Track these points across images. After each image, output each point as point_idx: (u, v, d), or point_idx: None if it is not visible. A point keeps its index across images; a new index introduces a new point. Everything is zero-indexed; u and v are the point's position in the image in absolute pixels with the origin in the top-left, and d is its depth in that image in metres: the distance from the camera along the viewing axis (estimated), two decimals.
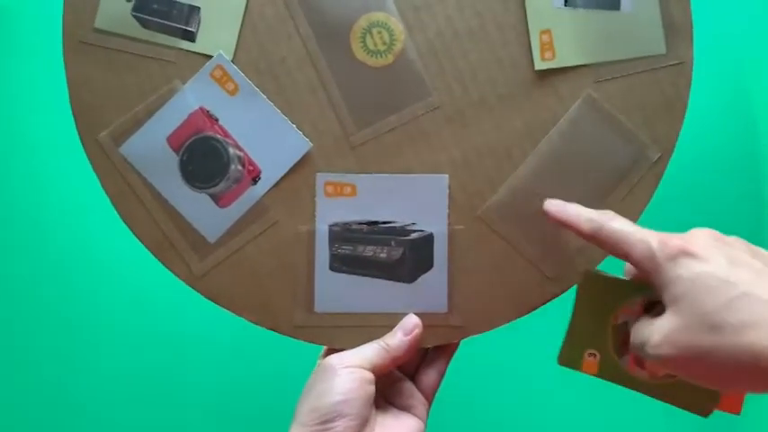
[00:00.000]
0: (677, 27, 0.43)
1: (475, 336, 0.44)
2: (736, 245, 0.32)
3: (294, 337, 0.43)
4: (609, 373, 0.38)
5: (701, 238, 0.32)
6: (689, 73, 0.43)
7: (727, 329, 0.28)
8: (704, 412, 0.37)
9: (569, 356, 0.39)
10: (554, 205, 0.38)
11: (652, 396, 0.38)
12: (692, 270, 0.30)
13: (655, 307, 0.34)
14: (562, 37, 0.43)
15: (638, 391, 0.38)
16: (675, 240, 0.31)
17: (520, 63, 0.43)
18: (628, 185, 0.43)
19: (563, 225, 0.37)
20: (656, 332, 0.31)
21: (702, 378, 0.30)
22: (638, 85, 0.43)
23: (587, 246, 0.43)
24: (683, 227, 0.33)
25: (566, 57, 0.43)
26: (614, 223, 0.34)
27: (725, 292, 0.29)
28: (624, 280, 0.38)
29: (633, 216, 0.43)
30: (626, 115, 0.43)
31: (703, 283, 0.29)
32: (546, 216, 0.38)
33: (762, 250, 0.32)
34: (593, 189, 0.44)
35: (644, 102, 0.43)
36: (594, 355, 0.38)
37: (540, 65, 0.43)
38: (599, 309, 0.38)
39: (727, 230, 0.32)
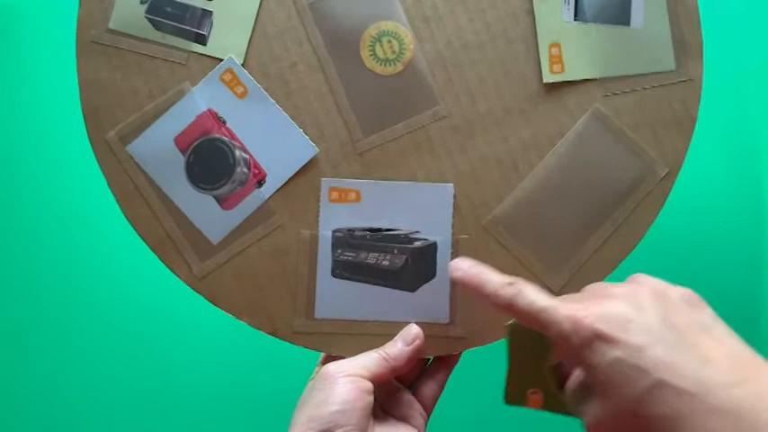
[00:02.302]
0: (687, 44, 0.43)
1: (476, 348, 0.43)
2: (650, 306, 0.31)
3: (293, 343, 0.43)
4: (554, 406, 0.39)
5: (611, 313, 0.30)
6: (698, 90, 0.43)
7: (648, 421, 0.28)
8: None
9: (513, 397, 0.39)
10: (460, 270, 0.36)
11: None
12: (607, 357, 0.29)
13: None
14: (571, 51, 0.43)
15: None
16: (586, 321, 0.30)
17: (528, 75, 0.43)
18: (635, 201, 0.43)
19: (473, 293, 0.36)
20: (587, 414, 0.31)
21: None
22: (647, 101, 0.43)
23: (591, 261, 0.43)
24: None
25: (574, 70, 0.43)
26: (524, 299, 0.33)
27: (639, 382, 0.28)
28: None
29: (641, 232, 0.43)
30: (634, 130, 0.43)
31: (619, 372, 0.29)
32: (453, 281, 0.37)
33: (672, 294, 0.31)
34: (599, 203, 0.43)
35: (652, 117, 0.43)
36: (537, 393, 0.39)
37: (548, 78, 0.43)
38: (532, 355, 0.38)
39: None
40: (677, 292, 0.32)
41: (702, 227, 0.52)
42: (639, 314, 0.30)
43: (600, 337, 0.29)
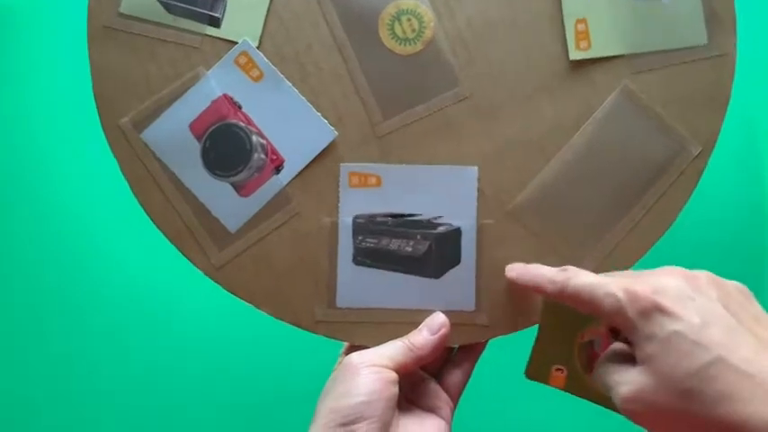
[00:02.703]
0: (719, 17, 0.41)
1: (502, 336, 0.42)
2: (707, 288, 0.31)
3: (314, 332, 0.42)
4: (575, 388, 0.38)
5: (672, 288, 0.30)
6: (731, 65, 0.41)
7: (699, 398, 0.28)
8: None
9: (536, 371, 0.39)
10: (514, 270, 0.39)
11: (618, 412, 0.36)
12: (665, 329, 0.29)
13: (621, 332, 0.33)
14: (598, 26, 0.42)
15: (604, 406, 0.37)
16: (645, 292, 0.30)
17: (554, 52, 0.42)
18: (667, 181, 0.41)
19: (529, 289, 0.37)
20: (626, 385, 0.30)
21: None
22: (678, 77, 0.41)
23: (622, 244, 0.41)
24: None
25: (602, 46, 0.42)
26: (577, 280, 0.33)
27: (697, 358, 0.28)
28: None
29: (673, 213, 0.41)
30: (665, 108, 0.41)
31: (676, 346, 0.29)
32: (509, 282, 0.39)
33: (727, 282, 0.32)
34: (630, 184, 0.42)
35: (684, 94, 0.41)
36: (561, 370, 0.39)
37: (574, 54, 0.42)
38: (565, 328, 0.38)
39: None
40: (732, 284, 0.32)
41: (728, 206, 0.50)
42: (699, 295, 0.30)
43: (659, 309, 0.29)
